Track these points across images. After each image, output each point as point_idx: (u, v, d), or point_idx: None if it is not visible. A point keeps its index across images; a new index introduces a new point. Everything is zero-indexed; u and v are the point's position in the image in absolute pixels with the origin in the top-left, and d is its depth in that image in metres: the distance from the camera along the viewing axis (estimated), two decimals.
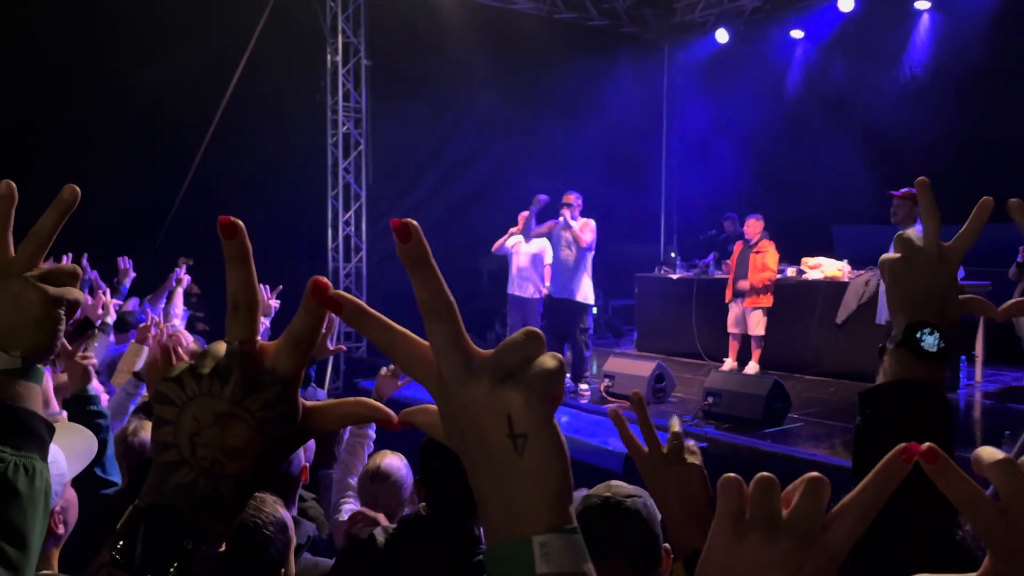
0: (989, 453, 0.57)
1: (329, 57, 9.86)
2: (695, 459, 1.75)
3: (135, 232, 9.77)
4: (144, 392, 3.08)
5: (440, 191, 11.36)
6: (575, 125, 11.87)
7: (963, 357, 7.88)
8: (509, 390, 0.51)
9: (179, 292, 4.69)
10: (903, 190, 6.30)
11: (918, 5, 10.07)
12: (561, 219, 7.39)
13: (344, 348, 3.17)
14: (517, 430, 0.50)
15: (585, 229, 7.40)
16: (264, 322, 3.75)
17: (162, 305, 4.76)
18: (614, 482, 1.82)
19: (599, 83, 11.91)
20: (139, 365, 3.44)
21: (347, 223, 10.09)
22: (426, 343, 0.54)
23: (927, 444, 0.54)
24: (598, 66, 11.99)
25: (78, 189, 1.10)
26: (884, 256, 1.02)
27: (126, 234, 9.64)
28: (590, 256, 7.49)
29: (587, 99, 11.83)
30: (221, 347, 0.62)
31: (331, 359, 9.91)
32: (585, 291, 7.49)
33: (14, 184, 0.89)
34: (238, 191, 10.04)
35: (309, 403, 0.62)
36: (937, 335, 0.94)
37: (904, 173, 10.28)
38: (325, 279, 0.59)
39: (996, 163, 9.54)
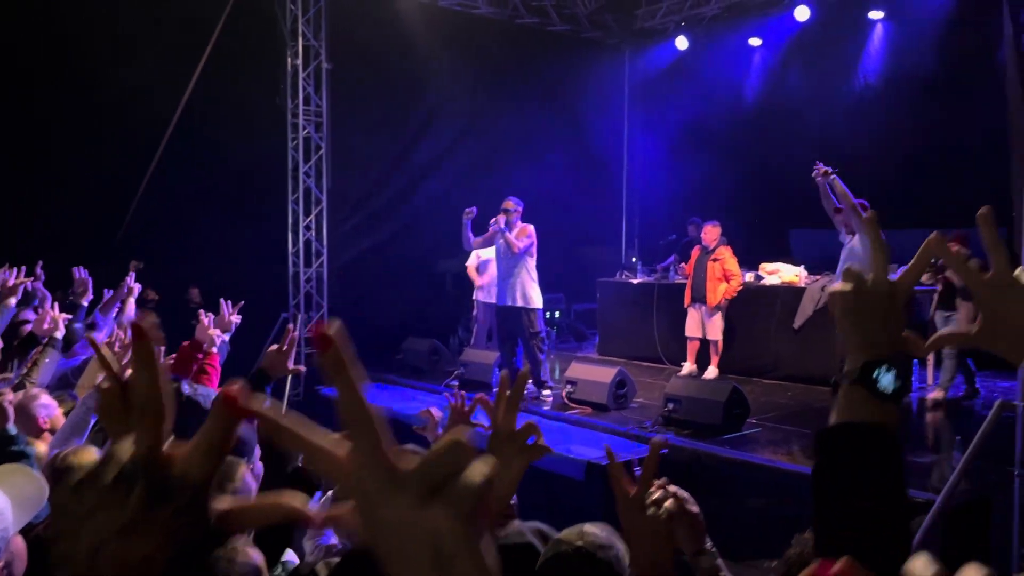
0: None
1: (289, 60, 9.76)
2: (672, 506, 1.80)
3: (92, 234, 9.60)
4: None
5: (402, 195, 11.33)
6: (537, 130, 11.92)
7: (915, 361, 8.08)
8: (435, 508, 0.49)
9: (131, 301, 4.57)
10: (842, 204, 6.44)
11: (872, 15, 10.28)
12: (495, 225, 7.41)
13: (303, 369, 3.08)
14: (444, 551, 0.48)
15: (520, 235, 7.44)
16: (223, 336, 3.70)
17: (113, 314, 4.65)
18: (587, 527, 1.74)
19: (561, 88, 11.97)
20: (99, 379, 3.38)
21: (308, 228, 10.01)
22: (346, 454, 0.51)
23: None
24: (560, 71, 12.05)
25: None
26: (833, 288, 1.02)
27: (83, 236, 9.47)
28: (530, 261, 7.51)
29: (549, 104, 11.88)
30: (125, 451, 0.57)
31: (291, 364, 9.82)
32: (528, 295, 7.50)
33: None
34: (197, 194, 9.92)
35: (223, 505, 0.57)
36: (893, 373, 0.95)
37: (860, 179, 10.52)
38: (236, 389, 0.55)
39: (947, 170, 9.81)
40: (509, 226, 7.41)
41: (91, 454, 2.18)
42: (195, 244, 9.97)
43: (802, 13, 10.33)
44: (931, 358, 8.18)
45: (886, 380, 0.94)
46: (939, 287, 7.43)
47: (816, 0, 10.29)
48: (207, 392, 3.23)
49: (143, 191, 10.10)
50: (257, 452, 2.75)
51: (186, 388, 3.16)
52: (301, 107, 9.78)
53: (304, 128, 9.84)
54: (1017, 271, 0.96)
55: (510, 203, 7.49)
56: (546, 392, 7.66)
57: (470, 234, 7.77)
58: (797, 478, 5.16)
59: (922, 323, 8.01)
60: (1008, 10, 6.27)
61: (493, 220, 7.49)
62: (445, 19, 10.65)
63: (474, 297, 9.09)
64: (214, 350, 3.48)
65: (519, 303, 7.46)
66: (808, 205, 11.26)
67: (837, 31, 10.65)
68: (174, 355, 3.46)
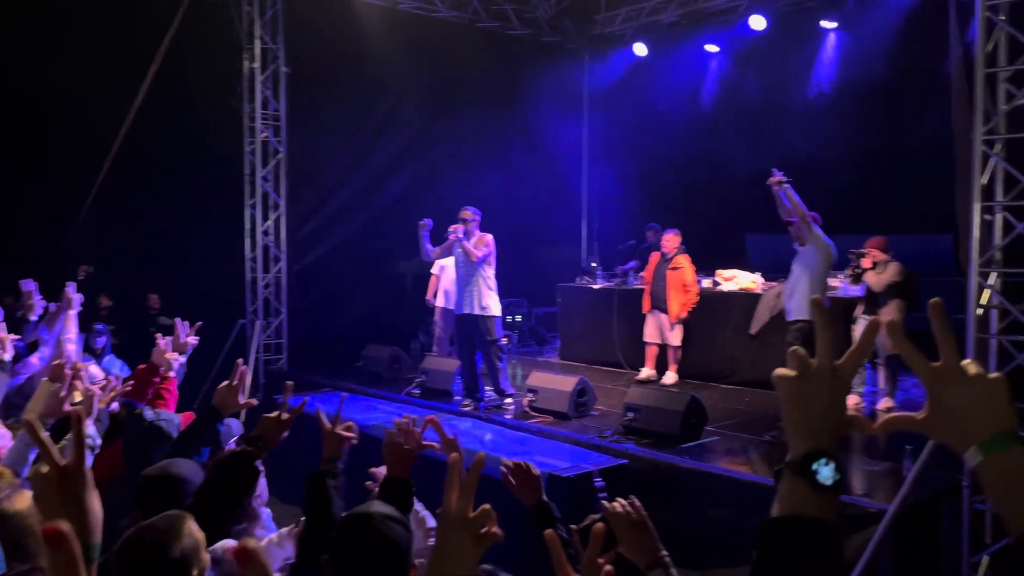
0: None
1: (246, 63, 9.62)
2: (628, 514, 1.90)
3: (43, 238, 9.38)
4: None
5: (362, 199, 11.25)
6: (497, 133, 11.94)
7: (867, 364, 8.28)
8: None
9: (72, 315, 4.41)
10: (795, 217, 6.48)
11: (824, 24, 10.48)
12: (453, 234, 7.46)
13: (255, 402, 3.04)
14: None
15: (479, 244, 7.49)
16: (180, 359, 3.63)
17: (58, 329, 4.49)
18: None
19: (521, 92, 11.98)
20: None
21: (266, 233, 9.89)
22: None
23: None
24: (520, 75, 12.06)
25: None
26: (777, 372, 1.05)
27: (34, 240, 9.25)
28: (489, 269, 7.56)
29: (509, 107, 11.90)
30: None
31: (250, 371, 9.71)
32: (485, 303, 7.53)
33: None
34: (152, 198, 9.74)
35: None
36: (833, 466, 0.97)
37: (814, 185, 10.74)
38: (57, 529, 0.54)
39: (896, 176, 10.06)
40: (467, 235, 7.44)
41: (25, 500, 2.13)
42: (150, 249, 9.80)
43: (757, 22, 10.50)
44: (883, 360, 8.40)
45: (825, 473, 0.97)
46: (864, 294, 7.61)
47: (771, 9, 10.46)
48: (169, 417, 3.20)
49: (95, 194, 9.87)
50: None
51: (148, 414, 3.13)
52: (259, 111, 9.66)
53: (262, 132, 9.72)
54: (964, 362, 0.98)
55: (468, 212, 7.54)
56: (508, 400, 7.70)
57: (428, 245, 7.79)
58: (755, 488, 5.26)
59: (846, 324, 8.20)
60: (955, 28, 6.43)
61: (451, 229, 7.50)
62: (405, 22, 10.60)
63: (436, 304, 9.07)
64: (171, 374, 3.43)
65: (477, 311, 7.49)
66: (763, 210, 11.44)
67: (791, 40, 10.84)
68: (131, 381, 3.40)
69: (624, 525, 1.88)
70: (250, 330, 9.80)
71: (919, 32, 9.80)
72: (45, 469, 1.18)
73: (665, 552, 1.88)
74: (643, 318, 8.92)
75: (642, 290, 9.09)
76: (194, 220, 9.79)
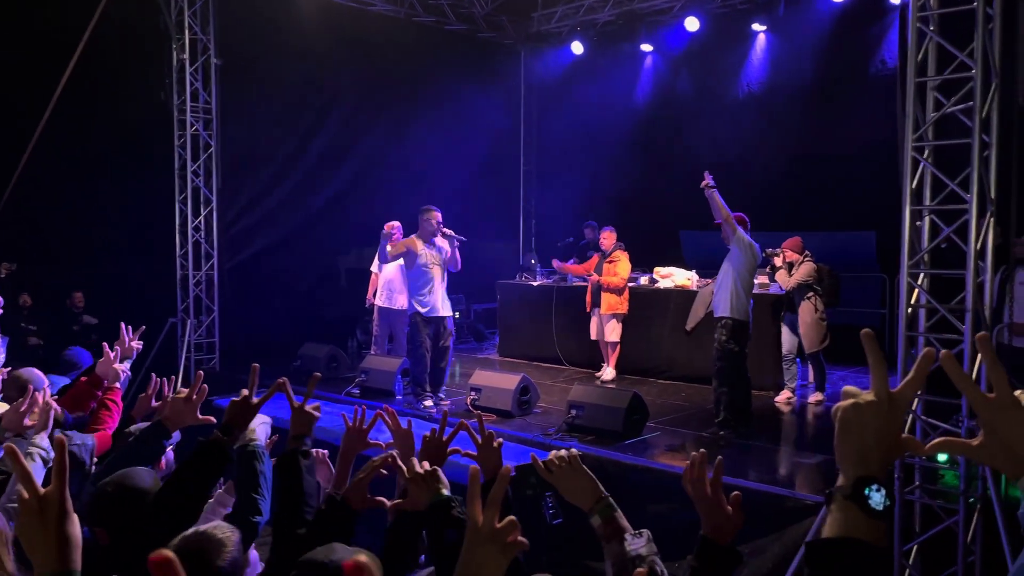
0: None
1: (175, 54, 9.31)
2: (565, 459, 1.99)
3: None
4: None
5: (297, 194, 11.03)
6: (435, 128, 11.85)
7: (797, 359, 8.56)
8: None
9: None
10: (720, 218, 6.86)
11: (755, 27, 10.75)
12: (455, 240, 7.57)
13: (213, 420, 2.91)
14: None
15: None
16: (124, 367, 3.49)
17: None
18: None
19: (460, 87, 11.94)
20: None
21: (197, 229, 9.60)
22: None
23: None
24: (458, 70, 12.02)
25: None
26: (838, 405, 1.07)
27: None
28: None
29: (448, 102, 11.83)
30: None
31: (180, 371, 9.43)
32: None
33: None
34: (74, 191, 9.34)
35: None
36: (883, 492, 1.01)
37: (745, 183, 11.03)
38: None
39: (824, 175, 10.40)
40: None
41: None
42: (74, 245, 9.40)
43: (691, 23, 10.70)
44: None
45: (877, 499, 1.01)
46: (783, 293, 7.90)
47: (704, 11, 10.67)
48: (83, 441, 2.99)
49: (12, 188, 9.41)
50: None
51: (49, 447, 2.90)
52: (188, 103, 9.36)
53: (192, 125, 9.43)
54: (1018, 393, 1.03)
55: (439, 213, 7.55)
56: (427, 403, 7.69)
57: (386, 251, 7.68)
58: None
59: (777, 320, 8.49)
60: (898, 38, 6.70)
61: (450, 233, 7.51)
62: (340, 15, 10.42)
63: (377, 303, 8.94)
64: (117, 385, 3.30)
65: (449, 312, 7.68)
66: (697, 207, 11.69)
67: (723, 41, 11.09)
68: (70, 393, 3.25)
69: (562, 475, 2.01)
70: (180, 329, 9.52)
71: (845, 38, 10.17)
72: (26, 496, 1.20)
73: (607, 494, 1.96)
74: (582, 315, 9.02)
75: (581, 287, 9.19)
76: (121, 215, 9.43)
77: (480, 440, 2.27)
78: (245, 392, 2.32)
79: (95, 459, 2.93)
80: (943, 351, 1.06)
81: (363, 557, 0.99)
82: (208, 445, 2.21)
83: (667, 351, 8.88)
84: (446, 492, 1.94)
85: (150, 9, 9.27)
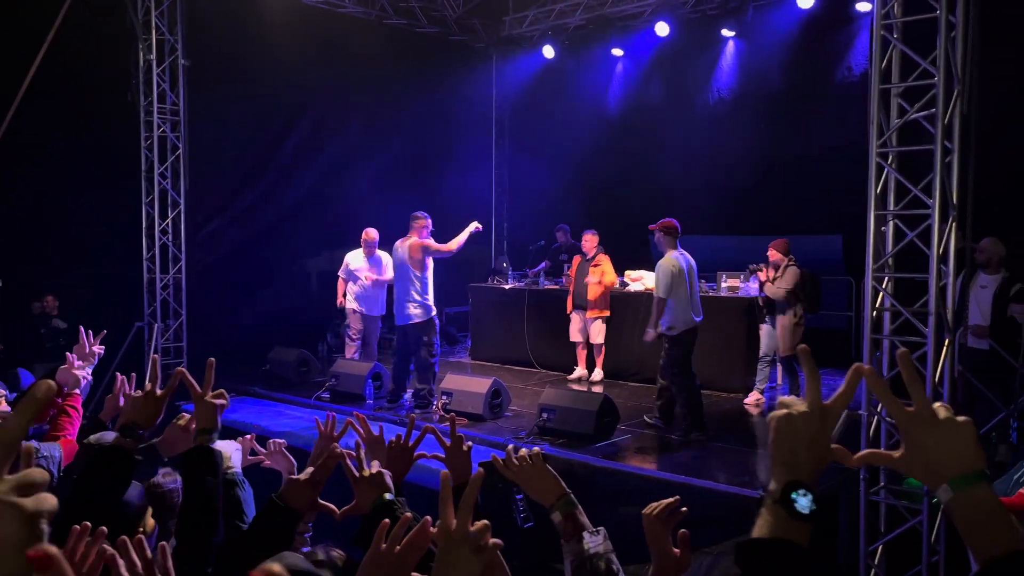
0: None
1: (142, 55, 9.18)
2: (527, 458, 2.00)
3: None
4: None
5: (265, 196, 10.94)
6: (407, 130, 11.82)
7: (774, 362, 8.65)
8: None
9: None
10: (658, 223, 7.30)
11: (724, 32, 10.86)
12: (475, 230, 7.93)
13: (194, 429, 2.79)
14: None
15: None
16: (86, 372, 3.42)
17: None
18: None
19: (431, 90, 11.92)
20: None
21: (164, 232, 9.47)
22: None
23: None
24: (430, 73, 12.00)
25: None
26: (772, 414, 1.13)
27: None
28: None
29: (419, 105, 11.80)
30: None
31: (148, 376, 9.28)
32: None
33: None
34: (38, 194, 9.18)
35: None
36: (810, 497, 1.06)
37: (715, 187, 11.14)
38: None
39: (792, 179, 10.53)
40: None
41: None
42: (38, 248, 9.22)
43: (662, 28, 10.78)
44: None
45: (803, 503, 1.05)
46: (761, 302, 7.98)
47: (674, 16, 10.75)
48: (50, 453, 2.91)
49: None
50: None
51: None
52: (156, 105, 9.23)
53: (159, 127, 9.30)
54: (935, 405, 1.08)
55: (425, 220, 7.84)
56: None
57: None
58: (664, 484, 5.41)
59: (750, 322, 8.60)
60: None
61: (475, 227, 7.89)
62: (310, 16, 10.35)
63: (351, 308, 8.87)
64: (77, 391, 3.23)
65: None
66: (667, 211, 11.81)
67: (693, 46, 11.18)
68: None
69: (524, 473, 2.02)
70: (148, 333, 9.38)
71: (812, 45, 10.30)
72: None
73: (569, 491, 1.98)
74: (554, 318, 9.05)
75: (553, 291, 9.22)
76: (86, 217, 9.28)
77: (448, 444, 2.25)
78: (149, 385, 2.18)
79: (62, 470, 2.87)
80: (866, 367, 1.11)
81: (276, 567, 0.96)
82: (109, 450, 2.05)
83: (638, 354, 8.92)
84: (389, 496, 1.92)
85: (116, 9, 9.13)
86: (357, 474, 1.97)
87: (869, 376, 1.12)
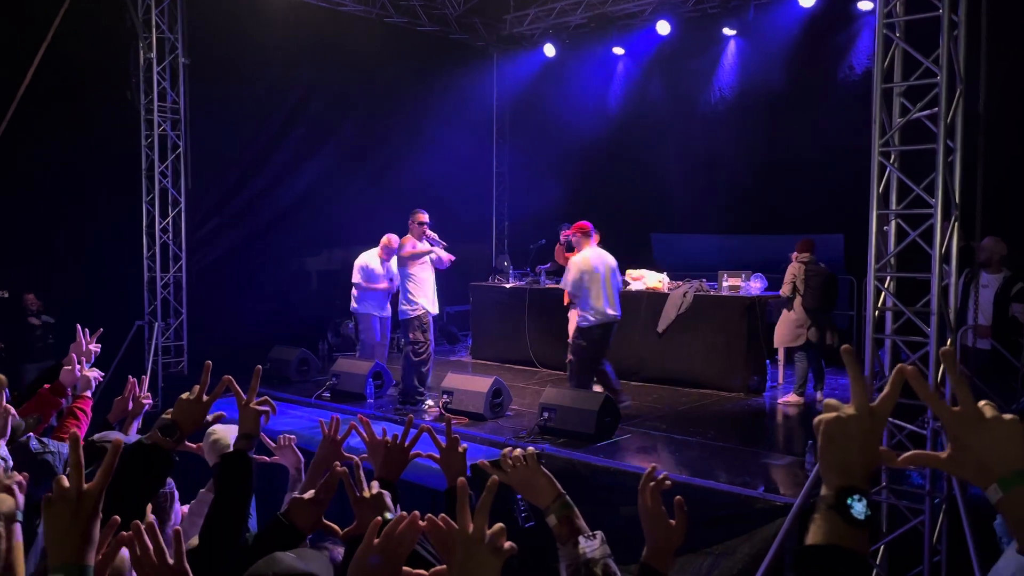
0: None
1: (142, 54, 9.17)
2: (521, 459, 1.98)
3: None
4: None
5: (266, 195, 10.93)
6: (407, 129, 11.81)
7: (767, 361, 8.65)
8: None
9: None
10: (574, 224, 7.55)
11: (726, 31, 10.84)
12: (437, 243, 7.89)
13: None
14: None
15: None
16: (96, 373, 3.37)
17: None
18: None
19: (431, 89, 11.91)
20: None
21: (164, 230, 9.46)
22: None
23: None
24: (430, 72, 11.98)
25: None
26: (821, 418, 1.12)
27: None
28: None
29: (419, 104, 11.80)
30: None
31: (148, 375, 9.28)
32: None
33: None
34: (38, 192, 9.16)
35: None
36: (865, 503, 1.05)
37: (716, 187, 11.13)
38: None
39: (793, 178, 10.51)
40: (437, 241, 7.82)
41: None
42: (38, 246, 9.21)
43: (663, 27, 10.75)
44: (781, 358, 8.79)
45: (859, 508, 1.04)
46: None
47: (675, 15, 10.73)
48: (57, 448, 2.90)
49: None
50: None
51: (34, 444, 2.82)
52: (156, 103, 9.22)
53: (160, 125, 9.29)
54: (981, 404, 1.07)
55: (425, 215, 7.84)
56: (429, 402, 7.73)
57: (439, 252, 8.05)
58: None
59: (770, 324, 8.59)
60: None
61: (433, 238, 7.86)
62: (310, 14, 10.33)
63: (366, 311, 8.83)
64: (87, 393, 3.21)
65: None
66: (668, 210, 11.84)
67: (695, 45, 11.16)
68: (31, 402, 3.15)
69: (518, 474, 2.00)
70: (148, 332, 9.37)
71: (814, 44, 10.27)
72: (66, 484, 1.26)
73: (564, 493, 1.96)
74: (554, 317, 9.02)
75: (554, 290, 9.20)
76: (86, 216, 9.27)
77: (444, 444, 2.25)
78: (197, 388, 2.17)
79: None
80: (909, 367, 1.09)
81: None
82: (148, 448, 2.03)
83: (639, 353, 8.91)
84: (390, 515, 1.91)
85: (116, 7, 9.12)
86: (358, 494, 1.96)
87: (913, 378, 1.10)
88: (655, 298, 8.95)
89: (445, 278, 11.59)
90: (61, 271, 9.12)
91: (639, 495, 1.91)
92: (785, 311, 7.85)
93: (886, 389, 1.09)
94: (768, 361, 8.63)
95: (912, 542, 4.82)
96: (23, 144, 8.97)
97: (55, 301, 9.22)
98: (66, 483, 1.27)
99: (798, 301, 7.66)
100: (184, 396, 2.16)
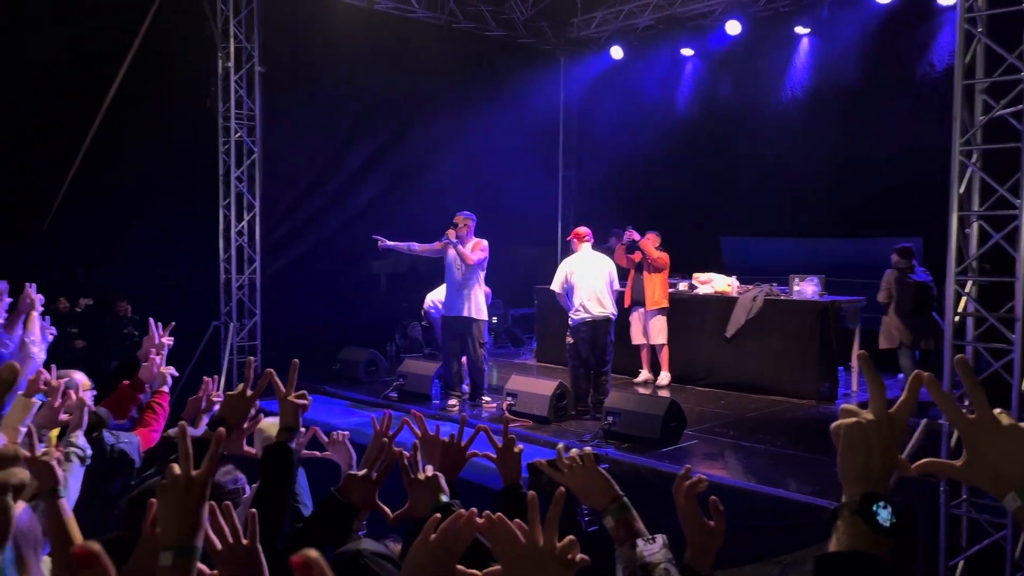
0: None
1: (220, 63, 9.49)
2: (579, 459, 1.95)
3: (8, 239, 9.13)
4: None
5: (336, 199, 11.17)
6: (473, 133, 11.91)
7: (840, 368, 8.41)
8: None
9: (34, 316, 4.19)
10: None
11: (798, 30, 10.60)
12: (444, 239, 7.61)
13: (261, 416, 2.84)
14: None
15: (475, 248, 7.59)
16: (171, 369, 3.48)
17: (19, 333, 4.29)
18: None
19: (498, 93, 11.98)
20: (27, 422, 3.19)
21: (240, 234, 9.76)
22: None
23: None
24: (497, 76, 12.06)
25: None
26: (838, 423, 1.10)
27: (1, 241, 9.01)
28: (482, 274, 7.69)
29: (486, 108, 11.88)
30: None
31: (224, 374, 9.58)
32: (480, 307, 7.66)
33: None
34: (122, 199, 9.57)
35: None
36: (890, 509, 1.03)
37: (788, 188, 10.89)
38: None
39: (869, 179, 10.21)
40: (461, 240, 7.54)
41: None
42: (120, 248, 9.62)
43: (733, 27, 10.58)
44: (855, 364, 8.53)
45: (884, 515, 1.02)
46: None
47: (746, 14, 10.55)
48: (130, 439, 3.02)
49: (65, 192, 9.67)
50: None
51: (108, 437, 2.92)
52: (233, 111, 9.52)
53: (236, 132, 9.59)
54: (997, 411, 1.04)
55: (460, 218, 7.64)
56: (486, 398, 7.75)
57: (411, 244, 7.80)
58: (733, 492, 5.30)
59: (847, 331, 8.37)
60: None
61: (446, 233, 7.61)
62: (380, 22, 10.52)
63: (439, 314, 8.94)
64: (164, 388, 3.34)
65: (470, 314, 7.59)
66: (737, 213, 11.63)
67: (766, 45, 10.95)
68: (110, 397, 3.28)
69: (574, 474, 1.96)
70: (224, 332, 9.67)
71: (892, 40, 9.96)
72: (177, 472, 1.35)
73: (623, 495, 1.93)
74: (621, 321, 8.94)
75: (618, 292, 9.11)
76: (165, 220, 9.64)
77: (500, 444, 2.25)
78: (241, 386, 2.25)
79: (142, 454, 2.98)
80: (926, 374, 1.08)
81: (313, 552, 1.05)
82: (196, 442, 2.14)
83: (706, 358, 8.78)
84: (445, 498, 1.93)
85: (197, 19, 9.45)
86: (413, 476, 1.98)
87: (929, 384, 1.09)
88: (724, 302, 8.80)
89: (509, 281, 11.69)
90: (142, 273, 9.48)
91: (675, 496, 1.89)
92: (884, 316, 8.22)
93: (904, 395, 1.08)
94: (841, 368, 8.40)
95: (995, 557, 4.62)
96: (109, 150, 9.40)
97: (135, 303, 9.61)
98: (177, 471, 1.36)
99: (893, 307, 7.91)
100: (231, 392, 2.23)
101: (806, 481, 5.47)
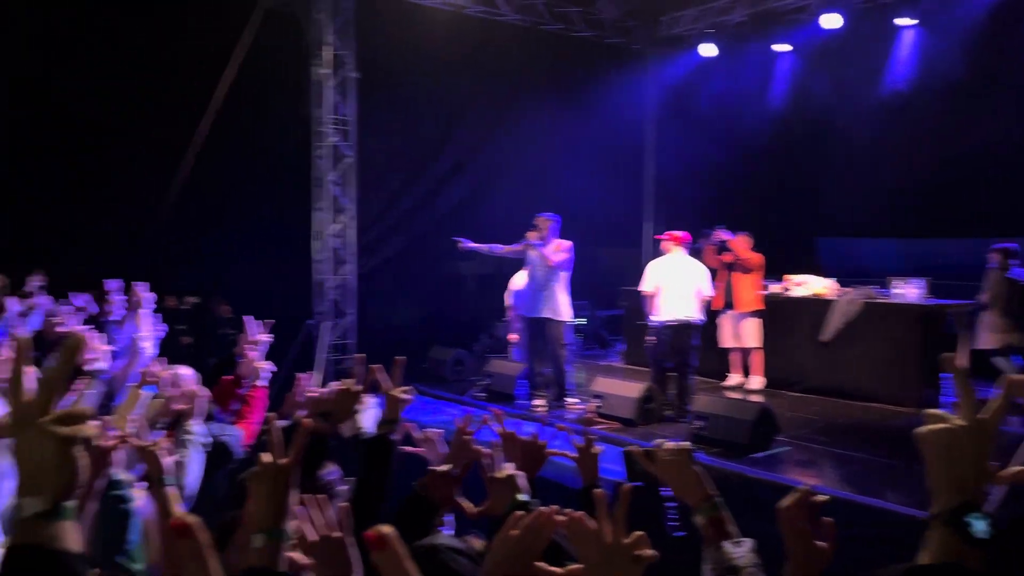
0: None
1: (315, 69, 9.80)
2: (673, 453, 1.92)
3: (119, 243, 9.68)
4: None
5: (426, 201, 11.40)
6: (561, 135, 11.92)
7: (944, 375, 8.03)
8: None
9: (143, 313, 4.40)
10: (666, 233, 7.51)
11: (899, 21, 10.18)
12: (525, 240, 7.64)
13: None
14: None
15: (557, 249, 7.56)
16: (268, 364, 3.61)
17: (130, 329, 4.52)
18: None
19: (586, 94, 11.95)
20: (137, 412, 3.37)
21: (334, 236, 10.05)
22: None
23: None
24: (585, 77, 12.04)
25: (82, 335, 1.22)
26: (923, 429, 1.05)
27: (109, 249, 9.57)
28: (563, 275, 7.65)
29: (573, 109, 11.87)
30: None
31: (319, 372, 9.89)
32: (561, 308, 7.62)
33: (29, 338, 1.02)
34: (224, 202, 10.03)
35: None
36: (986, 520, 0.99)
37: (885, 187, 10.47)
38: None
39: (975, 177, 9.72)
40: (543, 241, 7.53)
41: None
42: (220, 249, 10.07)
43: (829, 21, 10.23)
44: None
45: (979, 527, 0.98)
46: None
47: (843, 7, 10.19)
48: (233, 432, 3.17)
49: (173, 199, 10.21)
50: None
51: (213, 428, 3.04)
52: (328, 116, 9.82)
53: (331, 137, 9.89)
54: None
55: (541, 219, 7.64)
56: (572, 400, 7.74)
57: (495, 246, 7.88)
58: (829, 501, 5.13)
59: (952, 335, 7.98)
60: None
61: (527, 235, 7.66)
62: (470, 26, 10.65)
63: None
64: (261, 384, 3.48)
65: (552, 315, 7.57)
66: (836, 213, 11.24)
67: (863, 38, 10.54)
68: (214, 391, 3.44)
69: (667, 466, 1.92)
70: (316, 332, 9.97)
71: (1005, 31, 9.45)
72: (267, 461, 1.44)
73: (716, 492, 1.89)
74: (709, 323, 8.78)
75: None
76: (263, 223, 10.04)
77: (580, 444, 2.27)
78: (350, 380, 2.40)
79: (244, 447, 3.13)
80: (1020, 377, 1.03)
81: (387, 527, 1.10)
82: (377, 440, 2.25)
83: (800, 362, 8.52)
84: (523, 497, 1.94)
85: (294, 28, 9.79)
86: (492, 474, 2.01)
87: (1020, 389, 1.03)
88: (819, 305, 8.52)
89: (597, 283, 11.64)
90: (238, 272, 9.88)
91: (783, 511, 1.82)
92: (984, 314, 7.77)
93: (997, 401, 1.03)
94: (946, 375, 8.01)
95: None
96: (212, 157, 9.87)
97: (233, 303, 10.03)
98: (267, 459, 1.43)
99: (1000, 307, 7.54)
100: (340, 386, 2.33)
101: (905, 492, 5.24)
